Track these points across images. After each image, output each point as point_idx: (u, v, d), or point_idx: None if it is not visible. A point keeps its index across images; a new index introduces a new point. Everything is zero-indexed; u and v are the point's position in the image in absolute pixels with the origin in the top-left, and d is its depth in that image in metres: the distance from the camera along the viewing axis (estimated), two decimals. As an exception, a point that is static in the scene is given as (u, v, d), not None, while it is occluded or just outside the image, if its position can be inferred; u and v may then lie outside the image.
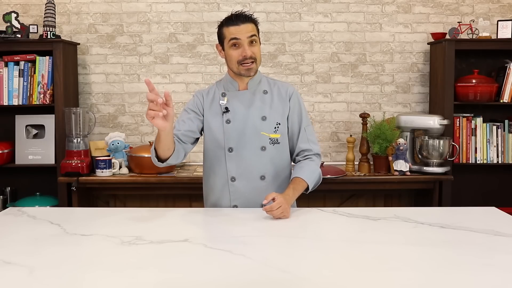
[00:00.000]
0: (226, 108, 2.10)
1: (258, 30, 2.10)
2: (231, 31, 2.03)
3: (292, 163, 2.20)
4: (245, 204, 2.09)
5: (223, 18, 2.09)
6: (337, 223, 1.80)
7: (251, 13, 2.09)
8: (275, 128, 2.10)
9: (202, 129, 2.14)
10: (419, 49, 3.52)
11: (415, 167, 3.17)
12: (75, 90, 3.42)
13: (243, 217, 1.93)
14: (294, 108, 2.14)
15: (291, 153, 2.18)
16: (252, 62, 2.04)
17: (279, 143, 2.11)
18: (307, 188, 2.08)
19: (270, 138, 2.10)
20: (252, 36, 2.03)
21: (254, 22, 2.08)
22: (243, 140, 2.08)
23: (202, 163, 2.24)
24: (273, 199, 1.86)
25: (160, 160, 1.98)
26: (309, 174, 2.07)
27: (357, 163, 3.29)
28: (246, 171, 2.09)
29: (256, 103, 2.11)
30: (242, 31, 2.01)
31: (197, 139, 2.14)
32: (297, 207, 2.14)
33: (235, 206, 2.10)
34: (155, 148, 1.94)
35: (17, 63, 3.20)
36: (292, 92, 2.15)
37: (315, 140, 2.17)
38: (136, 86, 3.51)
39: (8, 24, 3.16)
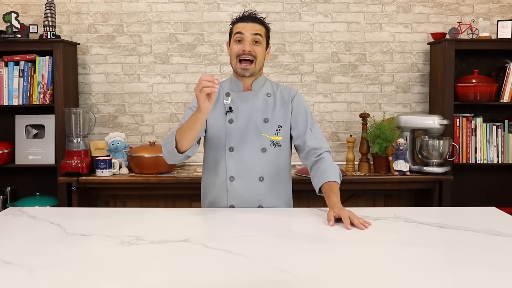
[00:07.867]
0: (230, 107, 2.10)
1: (267, 35, 2.12)
2: (238, 26, 2.07)
3: (303, 163, 2.15)
4: (242, 205, 2.09)
5: (234, 16, 2.13)
6: (337, 223, 1.80)
7: (263, 17, 2.12)
8: (276, 130, 2.11)
9: (206, 128, 2.14)
10: (419, 49, 3.52)
11: (415, 167, 3.17)
12: (75, 90, 3.42)
13: (243, 217, 1.92)
14: (298, 109, 2.14)
15: (299, 153, 2.15)
16: (251, 62, 2.05)
17: (280, 145, 2.11)
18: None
19: (271, 140, 2.10)
20: (256, 34, 2.05)
21: (264, 24, 2.11)
22: (244, 141, 2.09)
23: (202, 163, 2.24)
24: (335, 218, 1.80)
25: (179, 151, 1.97)
26: (335, 174, 2.00)
27: (357, 163, 3.29)
28: (246, 171, 2.09)
29: (259, 104, 2.12)
30: (247, 27, 2.05)
31: (201, 138, 2.13)
32: (298, 207, 2.14)
33: (232, 206, 2.10)
34: (176, 139, 1.94)
35: (17, 63, 3.20)
36: (295, 94, 2.17)
37: (323, 138, 2.14)
38: (136, 86, 3.51)
39: (8, 24, 3.16)
